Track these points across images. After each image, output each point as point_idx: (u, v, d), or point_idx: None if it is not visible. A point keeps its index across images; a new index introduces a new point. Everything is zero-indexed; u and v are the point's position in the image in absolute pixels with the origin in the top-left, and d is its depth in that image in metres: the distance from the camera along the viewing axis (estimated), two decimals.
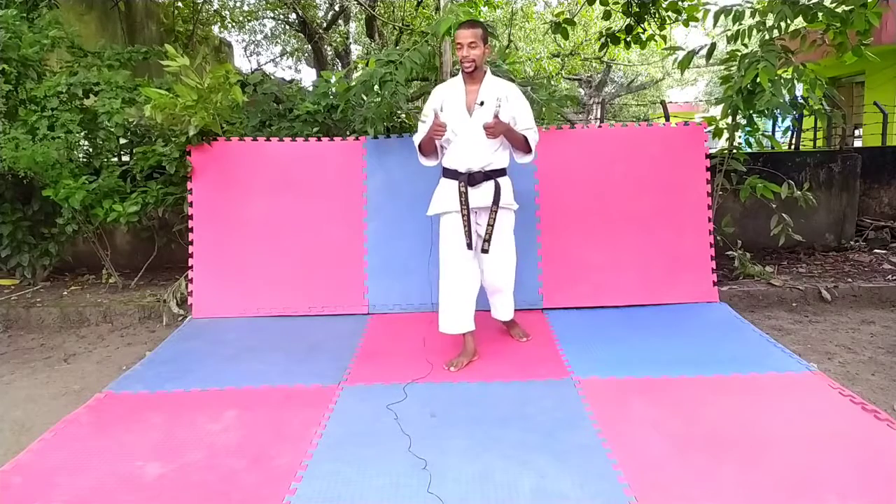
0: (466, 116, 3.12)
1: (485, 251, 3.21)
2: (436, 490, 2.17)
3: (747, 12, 4.37)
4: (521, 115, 3.17)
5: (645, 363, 3.23)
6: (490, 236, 3.18)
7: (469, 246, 3.19)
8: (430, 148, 3.25)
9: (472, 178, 3.14)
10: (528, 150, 3.22)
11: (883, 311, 4.28)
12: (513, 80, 4.17)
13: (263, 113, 4.73)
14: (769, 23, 4.25)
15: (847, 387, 2.94)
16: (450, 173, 3.20)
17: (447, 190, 3.21)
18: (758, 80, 3.94)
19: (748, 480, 2.19)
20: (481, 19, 4.66)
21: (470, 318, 3.27)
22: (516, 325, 3.61)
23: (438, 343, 3.50)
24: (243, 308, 4.18)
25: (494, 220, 3.18)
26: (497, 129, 3.02)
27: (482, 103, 3.10)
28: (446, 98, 3.17)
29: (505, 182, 3.23)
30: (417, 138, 3.27)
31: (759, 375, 3.07)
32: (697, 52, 4.68)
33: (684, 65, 4.74)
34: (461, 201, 3.13)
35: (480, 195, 3.17)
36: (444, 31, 3.76)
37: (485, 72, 3.16)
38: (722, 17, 4.41)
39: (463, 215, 3.15)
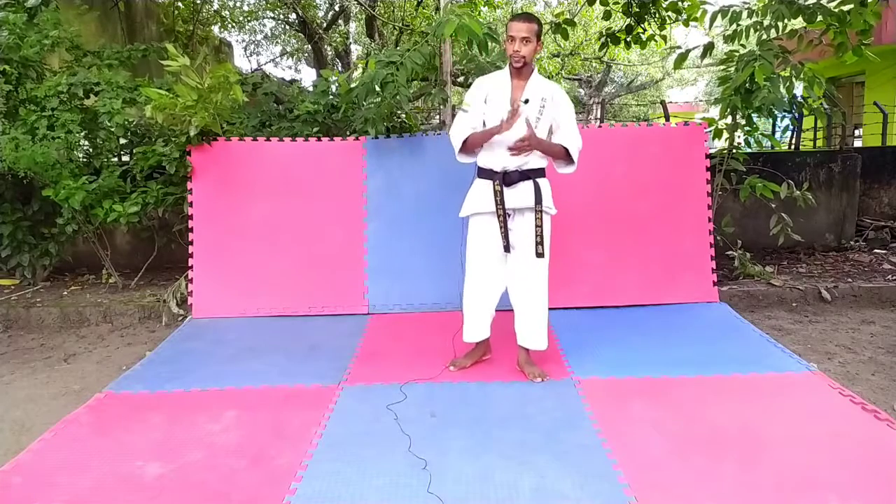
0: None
1: (539, 255, 2.99)
2: (436, 490, 2.17)
3: (744, 13, 4.37)
4: (564, 119, 2.99)
5: (645, 363, 3.23)
6: (541, 238, 2.98)
7: (506, 248, 3.01)
8: (478, 145, 3.00)
9: (507, 178, 2.96)
10: (568, 160, 3.00)
11: (883, 311, 4.28)
12: None
13: (263, 113, 4.73)
14: (766, 22, 4.25)
15: (847, 387, 2.94)
16: (485, 173, 3.02)
17: (481, 190, 3.03)
18: (755, 78, 3.94)
19: (748, 480, 2.19)
20: (481, 19, 4.66)
21: (488, 326, 3.20)
22: (530, 363, 3.17)
23: (439, 343, 3.50)
24: (243, 308, 4.18)
25: (542, 220, 2.98)
26: (531, 144, 2.85)
27: (527, 101, 2.92)
28: (491, 91, 2.99)
29: (544, 183, 3.05)
30: (460, 132, 3.01)
31: (759, 375, 3.07)
32: (693, 50, 4.69)
33: (678, 64, 4.75)
34: (496, 201, 2.95)
35: (517, 195, 2.98)
36: (448, 34, 3.75)
37: (532, 70, 2.99)
38: (719, 17, 4.42)
39: (499, 216, 2.97)
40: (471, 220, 3.11)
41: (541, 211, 2.99)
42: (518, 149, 2.87)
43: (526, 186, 2.99)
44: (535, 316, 3.10)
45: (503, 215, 2.97)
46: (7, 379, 3.42)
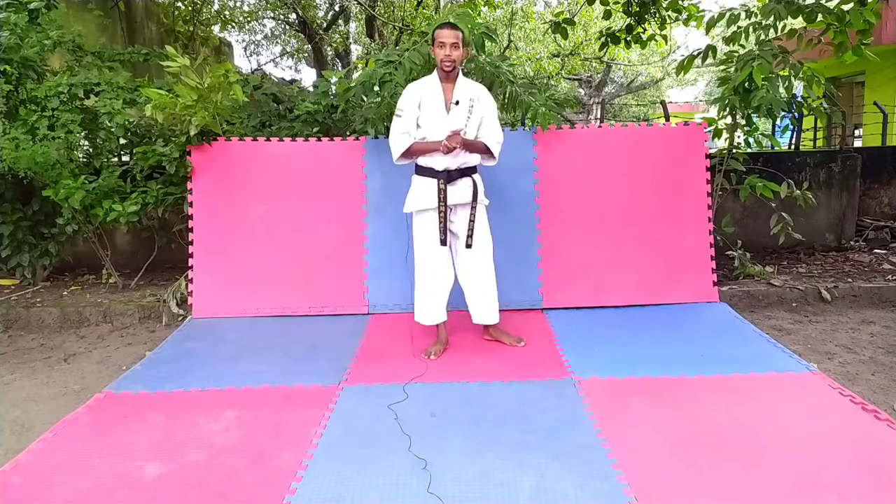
0: (444, 115, 3.21)
1: (468, 246, 3.30)
2: (436, 490, 2.17)
3: (742, 14, 4.38)
4: (488, 117, 3.28)
5: (645, 363, 3.23)
6: (472, 231, 3.28)
7: (443, 242, 3.28)
8: (419, 154, 3.25)
9: (449, 176, 3.23)
10: (490, 155, 3.31)
11: (883, 311, 4.28)
12: (513, 82, 4.18)
13: (263, 113, 4.72)
14: (765, 22, 4.26)
15: (847, 387, 2.95)
16: (425, 171, 3.27)
17: (424, 187, 3.27)
18: (753, 77, 3.94)
19: (748, 480, 2.19)
20: (480, 20, 4.66)
21: (443, 309, 3.42)
22: (506, 332, 3.54)
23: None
24: (243, 308, 4.18)
25: (475, 215, 3.28)
26: (459, 143, 3.11)
27: (457, 102, 3.20)
28: (424, 96, 3.24)
29: (478, 178, 3.34)
30: (398, 139, 3.23)
31: (759, 375, 3.07)
32: (696, 57, 4.69)
33: (682, 69, 4.75)
34: (440, 198, 3.21)
35: (458, 192, 3.26)
36: None
37: (458, 73, 3.26)
38: (721, 20, 4.43)
39: (440, 212, 3.23)
40: (416, 215, 3.34)
41: (475, 206, 3.28)
42: (448, 148, 3.08)
43: (465, 183, 3.29)
44: (485, 294, 3.42)
45: (444, 212, 3.25)
46: (7, 379, 3.42)
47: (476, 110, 3.23)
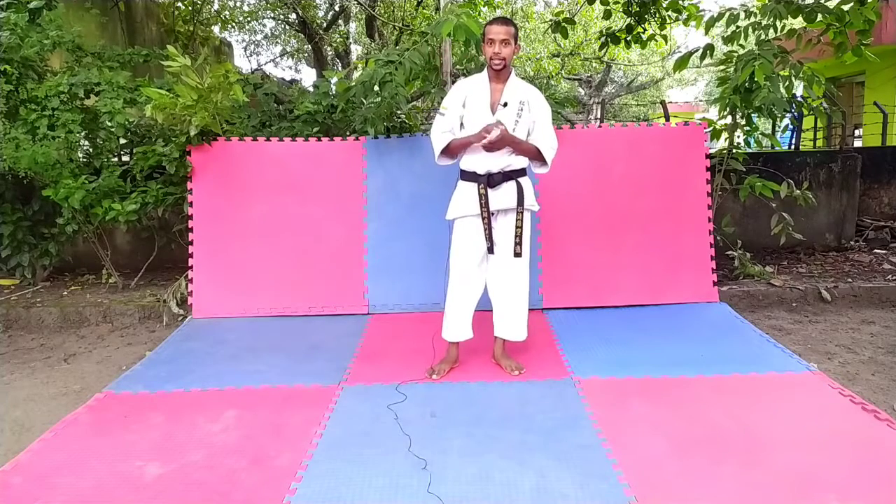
0: (489, 115, 2.98)
1: (517, 254, 3.06)
2: (436, 490, 2.17)
3: (742, 14, 4.38)
4: (540, 123, 3.05)
5: (645, 363, 3.23)
6: (521, 238, 3.05)
7: (490, 249, 3.07)
8: (458, 151, 3.04)
9: (491, 180, 3.00)
10: (542, 160, 3.07)
11: (883, 311, 4.28)
12: None
13: (263, 113, 4.73)
14: (764, 22, 4.26)
15: (847, 387, 2.95)
16: (468, 175, 3.05)
17: (466, 193, 3.06)
18: (754, 77, 3.94)
19: (748, 480, 2.19)
20: (481, 20, 4.66)
21: (469, 327, 3.22)
22: (510, 357, 3.27)
23: (439, 343, 3.50)
24: (243, 308, 4.18)
25: (522, 221, 3.05)
26: (497, 145, 2.88)
27: (506, 104, 2.98)
28: (469, 94, 3.02)
29: (526, 182, 3.09)
30: (439, 137, 3.04)
31: (759, 375, 3.07)
32: (694, 53, 4.69)
33: (679, 67, 4.75)
34: (481, 204, 3.00)
35: (500, 197, 3.04)
36: (445, 34, 3.75)
37: (510, 72, 3.03)
38: (721, 20, 4.43)
39: (483, 218, 3.02)
40: (457, 222, 3.14)
41: (522, 211, 3.04)
42: (488, 147, 2.87)
43: (509, 187, 3.04)
44: (517, 309, 3.17)
45: (488, 218, 3.02)
46: (7, 379, 3.42)
47: (525, 114, 2.99)
